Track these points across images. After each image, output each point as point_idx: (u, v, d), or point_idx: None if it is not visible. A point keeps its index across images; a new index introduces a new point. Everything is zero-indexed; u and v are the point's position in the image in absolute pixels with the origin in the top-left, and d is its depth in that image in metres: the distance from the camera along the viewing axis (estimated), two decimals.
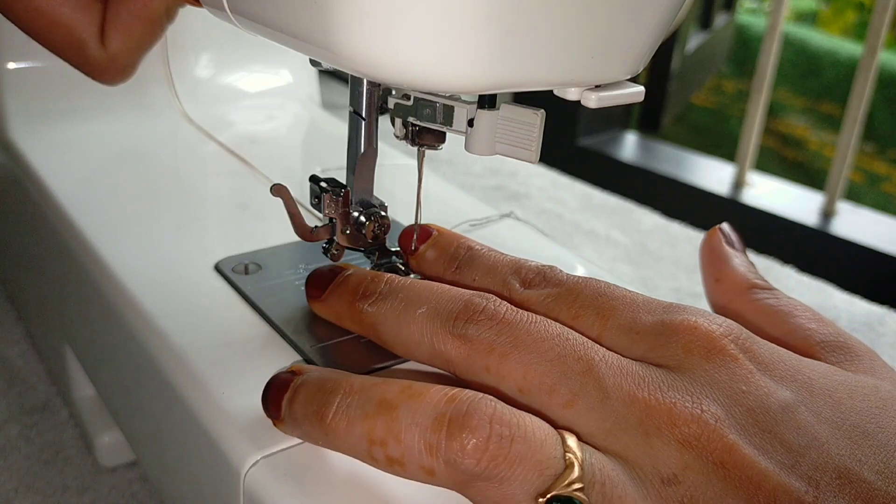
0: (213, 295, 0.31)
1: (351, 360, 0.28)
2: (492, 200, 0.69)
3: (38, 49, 0.30)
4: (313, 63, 0.28)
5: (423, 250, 0.30)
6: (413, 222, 0.31)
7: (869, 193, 2.40)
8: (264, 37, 0.26)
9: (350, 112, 0.29)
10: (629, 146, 1.42)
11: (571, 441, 0.21)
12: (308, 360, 0.28)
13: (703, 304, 0.30)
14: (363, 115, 0.29)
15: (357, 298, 0.27)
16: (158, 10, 0.30)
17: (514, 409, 0.21)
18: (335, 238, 0.30)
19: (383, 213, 0.30)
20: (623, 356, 0.24)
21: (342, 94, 0.80)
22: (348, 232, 0.30)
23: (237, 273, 0.33)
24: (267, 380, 0.27)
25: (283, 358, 0.28)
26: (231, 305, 0.31)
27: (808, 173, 2.51)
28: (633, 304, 0.25)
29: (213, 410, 0.26)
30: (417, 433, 0.21)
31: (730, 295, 0.29)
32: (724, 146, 2.33)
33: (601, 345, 0.24)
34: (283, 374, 0.25)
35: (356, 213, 0.30)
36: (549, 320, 0.24)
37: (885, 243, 1.06)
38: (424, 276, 0.31)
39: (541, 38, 0.22)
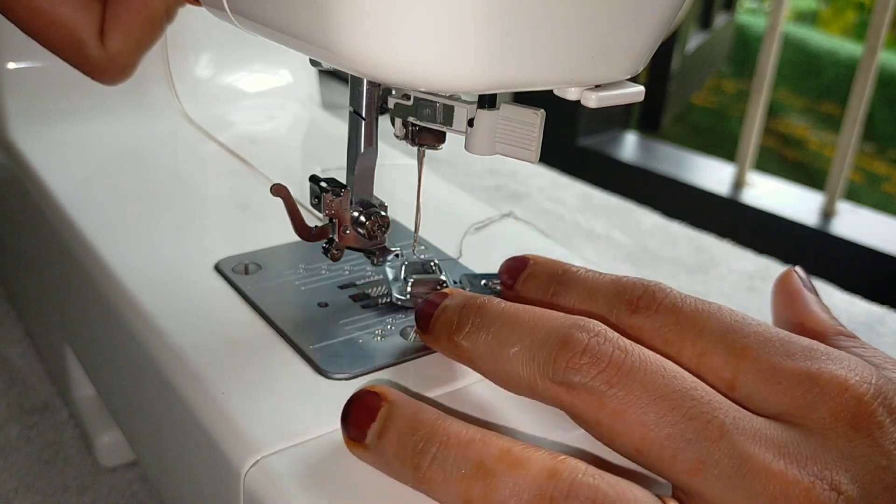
0: (213, 295, 0.31)
1: (351, 361, 0.28)
2: (492, 200, 0.69)
3: (38, 49, 0.30)
4: (313, 63, 0.28)
5: (521, 279, 0.29)
6: (414, 223, 0.31)
7: (869, 193, 2.40)
8: (264, 37, 0.26)
9: (350, 112, 0.29)
10: (629, 146, 1.42)
11: None
12: (308, 360, 0.28)
13: None
14: (363, 115, 0.29)
15: (453, 331, 0.25)
16: (158, 9, 0.30)
17: (620, 485, 0.20)
18: (335, 238, 0.30)
19: (383, 213, 0.30)
20: (758, 408, 0.22)
21: (342, 94, 0.80)
22: (348, 232, 0.30)
23: (237, 273, 0.33)
24: (268, 380, 0.27)
25: (283, 358, 0.28)
26: (231, 305, 0.31)
27: (808, 173, 2.51)
28: (767, 342, 0.23)
29: (213, 410, 0.26)
30: None
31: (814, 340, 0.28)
32: (724, 146, 2.33)
33: (735, 390, 0.23)
34: (368, 396, 0.23)
35: (356, 213, 0.30)
36: (666, 362, 0.22)
37: (885, 243, 1.06)
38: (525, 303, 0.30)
39: (541, 38, 0.22)
